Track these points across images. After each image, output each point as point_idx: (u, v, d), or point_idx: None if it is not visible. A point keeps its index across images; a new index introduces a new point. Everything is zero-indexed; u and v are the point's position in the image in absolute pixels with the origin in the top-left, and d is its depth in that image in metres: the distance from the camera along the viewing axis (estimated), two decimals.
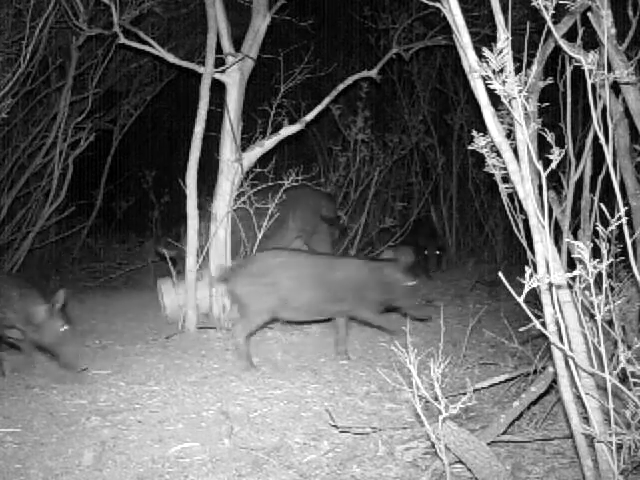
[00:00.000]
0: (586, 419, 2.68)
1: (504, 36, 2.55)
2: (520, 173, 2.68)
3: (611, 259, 2.42)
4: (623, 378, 2.50)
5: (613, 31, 3.23)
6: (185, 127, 7.23)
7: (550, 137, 2.66)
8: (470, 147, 2.99)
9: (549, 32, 2.72)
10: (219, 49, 6.20)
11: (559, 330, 2.54)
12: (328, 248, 7.50)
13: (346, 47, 11.06)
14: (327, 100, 6.61)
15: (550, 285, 2.51)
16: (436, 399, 2.85)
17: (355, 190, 8.98)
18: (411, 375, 2.91)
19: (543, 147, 2.86)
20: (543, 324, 2.53)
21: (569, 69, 3.47)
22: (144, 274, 9.13)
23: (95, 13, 7.24)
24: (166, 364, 5.27)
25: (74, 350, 4.97)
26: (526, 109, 2.59)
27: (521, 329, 2.63)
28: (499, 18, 2.64)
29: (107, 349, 5.72)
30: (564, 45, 2.73)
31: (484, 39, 5.81)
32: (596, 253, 2.32)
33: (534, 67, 2.93)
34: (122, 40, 5.86)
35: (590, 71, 2.51)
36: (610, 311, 2.42)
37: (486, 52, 2.51)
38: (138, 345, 5.83)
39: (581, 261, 2.30)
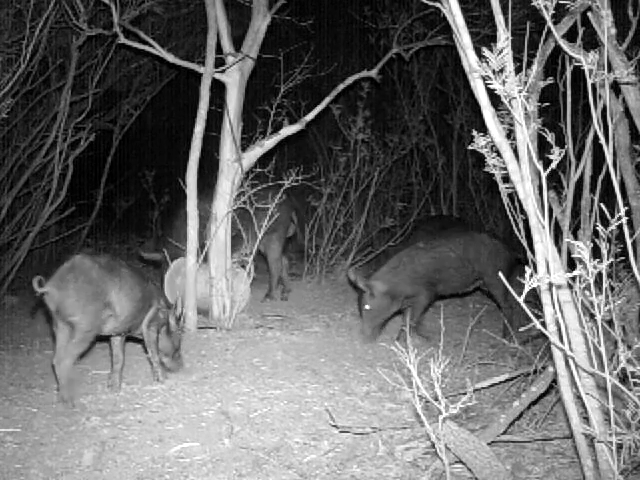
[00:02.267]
0: (586, 419, 2.68)
1: (504, 36, 2.55)
2: (520, 173, 2.68)
3: (611, 259, 2.42)
4: (623, 378, 2.50)
5: (613, 31, 3.23)
6: (185, 127, 7.23)
7: (550, 137, 2.66)
8: (470, 147, 2.99)
9: (549, 32, 2.72)
10: (219, 49, 6.20)
11: (559, 330, 2.54)
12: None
13: (346, 47, 11.06)
14: (327, 100, 6.61)
15: (550, 285, 2.51)
16: (436, 399, 2.85)
17: (355, 190, 8.98)
18: (411, 375, 2.92)
19: (543, 147, 2.86)
20: (543, 324, 2.53)
21: (569, 69, 3.47)
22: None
23: (95, 13, 7.23)
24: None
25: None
26: (526, 109, 2.59)
27: (521, 329, 2.63)
28: (499, 18, 2.64)
29: (108, 349, 5.71)
30: (564, 45, 2.73)
31: (484, 39, 5.81)
32: (596, 253, 2.32)
33: (534, 67, 2.93)
34: (122, 40, 5.86)
35: (590, 71, 2.51)
36: (610, 311, 2.42)
37: (486, 52, 2.51)
38: (139, 345, 5.83)
39: (581, 261, 2.30)
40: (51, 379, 4.97)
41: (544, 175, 2.48)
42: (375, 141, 9.10)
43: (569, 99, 3.47)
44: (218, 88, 6.35)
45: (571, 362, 2.56)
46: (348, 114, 8.79)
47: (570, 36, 3.32)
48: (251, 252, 6.41)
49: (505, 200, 3.04)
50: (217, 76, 6.20)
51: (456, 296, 6.66)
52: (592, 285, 2.32)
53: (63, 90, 7.90)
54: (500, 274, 2.55)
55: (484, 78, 2.63)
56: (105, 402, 4.50)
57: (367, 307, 5.81)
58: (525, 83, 2.53)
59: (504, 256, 6.24)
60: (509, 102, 2.58)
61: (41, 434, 4.01)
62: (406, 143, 9.63)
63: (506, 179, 2.89)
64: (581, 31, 3.36)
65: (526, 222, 2.77)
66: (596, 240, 2.36)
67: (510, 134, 2.81)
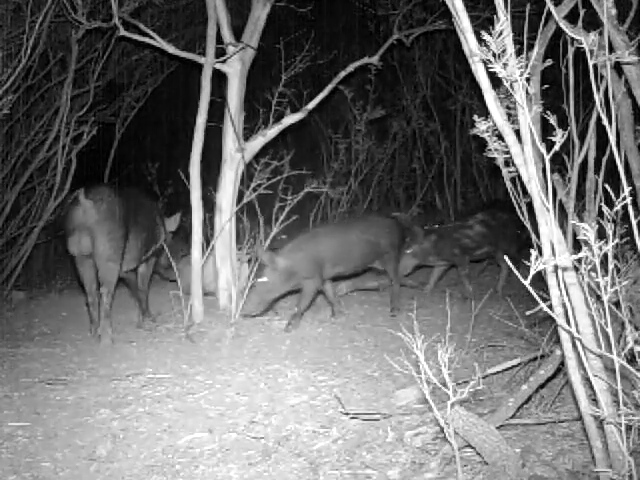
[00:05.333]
0: (595, 401, 2.68)
1: (503, 18, 2.54)
2: (523, 156, 2.68)
3: (616, 240, 2.42)
4: (631, 359, 2.50)
5: (614, 11, 3.21)
6: (188, 118, 7.24)
7: (553, 119, 2.65)
8: (472, 132, 2.99)
9: (550, 14, 2.71)
10: (220, 39, 6.18)
11: (566, 312, 2.54)
12: None
13: (347, 34, 11.04)
14: (329, 88, 6.59)
15: (556, 267, 2.51)
16: (444, 384, 2.85)
17: (355, 178, 8.97)
18: (419, 361, 2.92)
19: (546, 130, 2.85)
20: (550, 307, 2.53)
21: (571, 50, 3.45)
22: None
23: (94, 6, 7.23)
24: (174, 355, 5.29)
25: None
26: (528, 91, 2.58)
27: (528, 312, 2.63)
28: (498, 0, 2.62)
29: (116, 341, 5.73)
30: (565, 27, 2.72)
31: (484, 23, 5.79)
32: (602, 235, 2.31)
33: (535, 49, 2.91)
34: (122, 32, 5.85)
35: (591, 52, 2.50)
36: (617, 292, 2.42)
37: (485, 36, 2.49)
38: (146, 336, 5.86)
39: (586, 243, 2.30)
40: (61, 372, 5.00)
41: (547, 157, 2.47)
42: (377, 129, 9.12)
43: (571, 80, 3.46)
44: (220, 78, 6.34)
45: (578, 344, 2.56)
46: (351, 101, 8.79)
47: (571, 18, 3.30)
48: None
49: (508, 184, 3.04)
50: (218, 66, 6.19)
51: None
52: (598, 267, 2.31)
53: (64, 84, 7.91)
54: (506, 258, 2.53)
55: (485, 62, 2.61)
56: (113, 394, 4.52)
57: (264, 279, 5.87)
58: (526, 65, 2.51)
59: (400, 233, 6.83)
60: (511, 85, 2.57)
61: (51, 427, 4.02)
62: (406, 130, 9.64)
63: (509, 163, 2.88)
64: (582, 12, 3.34)
65: (530, 205, 2.76)
66: (601, 221, 2.35)
67: (512, 117, 2.80)
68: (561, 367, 3.55)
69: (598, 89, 2.60)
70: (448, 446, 3.25)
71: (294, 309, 6.10)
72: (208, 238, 6.41)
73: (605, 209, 2.34)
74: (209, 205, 6.47)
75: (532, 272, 2.27)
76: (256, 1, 6.37)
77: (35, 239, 8.23)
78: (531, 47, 2.79)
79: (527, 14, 2.72)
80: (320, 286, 6.17)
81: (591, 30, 2.70)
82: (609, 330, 2.38)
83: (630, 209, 2.32)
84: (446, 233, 7.32)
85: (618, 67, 3.31)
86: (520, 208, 3.02)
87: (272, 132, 6.43)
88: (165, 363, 5.10)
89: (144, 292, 6.65)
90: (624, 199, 2.27)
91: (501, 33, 2.47)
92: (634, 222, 2.35)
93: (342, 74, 6.62)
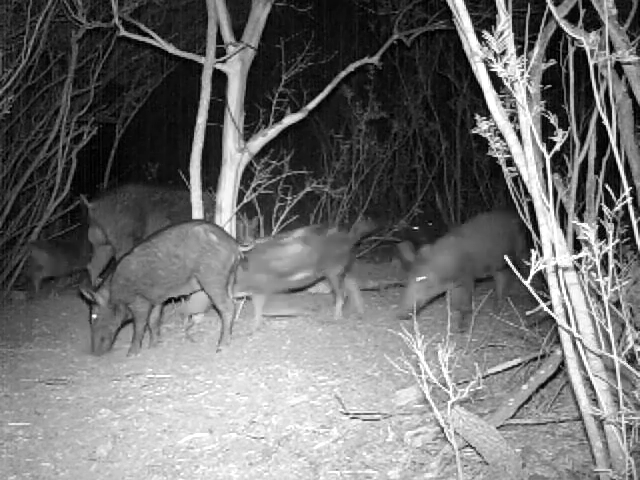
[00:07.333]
0: (595, 401, 2.68)
1: (504, 18, 2.54)
2: (524, 156, 2.67)
3: (617, 240, 2.42)
4: (631, 359, 2.50)
5: (614, 11, 3.21)
6: (188, 118, 7.23)
7: (553, 119, 2.64)
8: (474, 131, 2.98)
9: (550, 14, 2.70)
10: (220, 39, 6.18)
11: (566, 312, 2.53)
12: None
13: (347, 34, 11.04)
14: (329, 88, 6.58)
15: (556, 267, 2.51)
16: (444, 384, 2.85)
17: (356, 177, 8.97)
18: (419, 361, 2.92)
19: (547, 130, 2.85)
20: (550, 307, 2.53)
21: (571, 50, 3.45)
22: None
23: (94, 6, 7.23)
24: (174, 355, 5.28)
25: None
26: (529, 91, 2.58)
27: (528, 312, 2.63)
28: (499, 0, 2.62)
29: (117, 341, 5.73)
30: (565, 26, 2.72)
31: (485, 23, 5.79)
32: (602, 235, 2.31)
33: (536, 49, 2.91)
34: (122, 32, 5.84)
35: (592, 52, 2.50)
36: (617, 292, 2.42)
37: (487, 35, 2.49)
38: (146, 337, 5.85)
39: (587, 243, 2.30)
40: (61, 372, 5.00)
41: (548, 157, 2.47)
42: (378, 129, 9.11)
43: (572, 80, 3.45)
44: (220, 78, 6.34)
45: (579, 344, 2.56)
46: (352, 101, 8.79)
47: (572, 18, 3.30)
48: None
49: (509, 184, 3.03)
50: (218, 66, 6.18)
51: None
52: (598, 267, 2.31)
53: (64, 84, 7.92)
54: (506, 258, 2.53)
55: (485, 61, 2.61)
56: (113, 394, 4.52)
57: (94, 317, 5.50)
58: (527, 65, 2.51)
59: (222, 253, 5.49)
60: (511, 85, 2.57)
61: (51, 427, 4.03)
62: (406, 130, 9.63)
63: (510, 162, 2.88)
64: (582, 12, 3.34)
65: (531, 205, 2.76)
66: (601, 221, 2.35)
67: (513, 117, 2.80)
68: (561, 367, 3.55)
69: (598, 89, 2.59)
70: (448, 446, 3.25)
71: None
72: None
73: (605, 209, 2.34)
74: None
75: (532, 272, 2.27)
76: (256, 1, 6.36)
77: (36, 239, 8.23)
78: (531, 47, 2.79)
79: (528, 14, 2.72)
80: (149, 308, 5.60)
81: (591, 30, 2.70)
82: (609, 330, 2.38)
83: (630, 209, 2.32)
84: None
85: (618, 67, 3.31)
86: (522, 208, 3.02)
87: (272, 132, 6.41)
88: (165, 363, 5.10)
89: None
90: (624, 199, 2.27)
91: (502, 33, 2.47)
92: (634, 222, 2.35)
93: (342, 74, 6.61)
